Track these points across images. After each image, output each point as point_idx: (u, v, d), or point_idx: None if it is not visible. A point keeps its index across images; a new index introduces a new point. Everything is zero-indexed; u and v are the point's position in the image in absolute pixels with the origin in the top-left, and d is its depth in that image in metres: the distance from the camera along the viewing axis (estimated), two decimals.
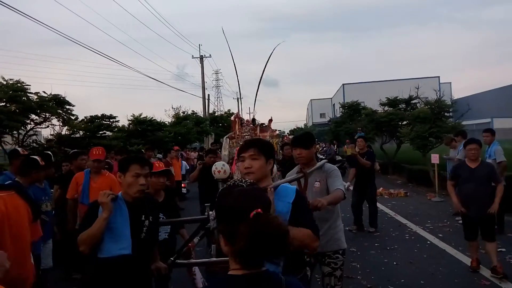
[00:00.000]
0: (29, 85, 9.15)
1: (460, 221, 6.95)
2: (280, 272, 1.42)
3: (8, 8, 8.86)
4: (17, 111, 8.61)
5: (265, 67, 6.88)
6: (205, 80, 29.96)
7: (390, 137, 17.60)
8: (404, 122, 15.68)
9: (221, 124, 29.34)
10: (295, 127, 53.20)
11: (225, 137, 6.59)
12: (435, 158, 10.28)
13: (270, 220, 1.23)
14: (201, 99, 29.54)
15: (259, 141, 2.41)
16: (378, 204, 8.27)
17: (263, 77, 7.12)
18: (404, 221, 8.11)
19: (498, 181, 4.98)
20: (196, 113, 25.82)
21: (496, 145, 6.96)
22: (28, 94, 9.11)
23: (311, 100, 65.99)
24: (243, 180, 1.50)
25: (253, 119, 7.00)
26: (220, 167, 4.98)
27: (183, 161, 13.38)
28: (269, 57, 6.63)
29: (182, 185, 12.15)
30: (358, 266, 5.49)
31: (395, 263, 5.58)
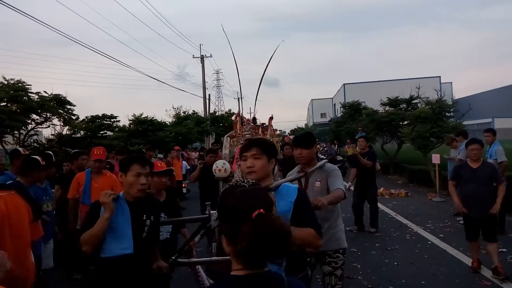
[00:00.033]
0: (30, 85, 9.16)
1: (461, 221, 6.96)
2: (283, 273, 1.42)
3: (9, 8, 8.88)
4: (18, 111, 8.61)
5: (266, 68, 6.88)
6: (206, 80, 30.03)
7: (391, 137, 17.60)
8: (405, 122, 15.69)
9: (222, 124, 29.35)
10: (296, 127, 53.25)
11: (226, 136, 6.60)
12: (436, 158, 10.27)
13: (272, 220, 1.23)
14: (202, 99, 29.61)
15: (261, 141, 2.44)
16: (379, 204, 8.26)
17: (263, 77, 7.13)
18: (405, 221, 8.11)
19: (499, 182, 4.95)
20: (197, 113, 25.85)
21: (497, 145, 6.96)
22: (29, 94, 9.12)
23: (312, 100, 65.98)
24: (245, 180, 1.50)
25: (254, 118, 7.01)
26: (220, 166, 4.99)
27: (183, 161, 13.40)
28: (271, 58, 6.63)
29: (183, 185, 12.18)
30: (359, 266, 5.48)
31: (396, 263, 5.58)
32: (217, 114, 34.34)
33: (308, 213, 2.22)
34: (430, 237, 6.78)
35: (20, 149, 5.40)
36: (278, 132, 10.44)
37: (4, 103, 8.71)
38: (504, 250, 5.65)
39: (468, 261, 5.34)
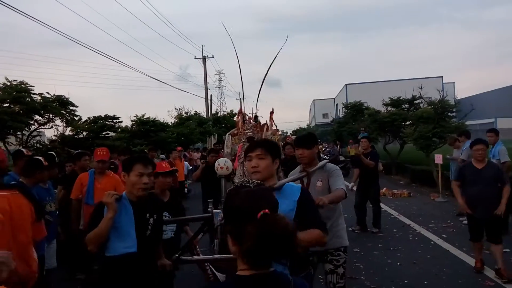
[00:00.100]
0: (33, 86, 9.16)
1: (464, 222, 6.95)
2: (288, 273, 1.42)
3: (10, 9, 8.90)
4: (21, 112, 8.62)
5: (270, 66, 6.85)
6: (207, 81, 29.97)
7: (393, 137, 17.57)
8: (408, 122, 15.64)
9: (224, 124, 29.35)
10: (298, 128, 53.10)
11: (228, 133, 6.61)
12: (438, 158, 10.25)
13: (277, 220, 1.23)
14: (204, 99, 29.59)
15: (266, 142, 2.55)
16: (382, 205, 8.25)
17: (266, 76, 7.10)
18: (407, 221, 8.09)
19: (504, 182, 4.91)
20: (199, 113, 25.84)
21: (500, 145, 6.94)
22: (32, 95, 9.12)
23: (313, 100, 65.93)
24: (250, 181, 1.51)
25: (256, 116, 6.99)
26: (222, 164, 5.03)
27: (185, 162, 13.42)
28: (276, 54, 6.60)
29: (184, 185, 12.22)
30: (362, 266, 5.48)
31: (398, 263, 5.57)
32: (219, 114, 34.33)
33: (312, 211, 2.27)
34: (433, 238, 6.77)
35: (23, 150, 5.41)
36: (280, 132, 10.42)
37: (7, 104, 8.73)
38: (507, 250, 5.63)
39: (471, 261, 5.33)
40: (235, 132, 6.50)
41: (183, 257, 3.07)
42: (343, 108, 25.50)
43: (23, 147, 8.33)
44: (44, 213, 3.48)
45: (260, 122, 6.80)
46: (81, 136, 10.89)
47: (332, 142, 25.99)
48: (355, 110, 22.60)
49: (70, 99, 10.16)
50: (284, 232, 1.21)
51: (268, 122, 6.72)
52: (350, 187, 7.70)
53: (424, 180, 12.99)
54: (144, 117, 15.35)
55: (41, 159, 3.74)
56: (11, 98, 8.67)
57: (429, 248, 6.22)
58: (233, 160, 5.62)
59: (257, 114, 7.02)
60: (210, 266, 3.32)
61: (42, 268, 3.55)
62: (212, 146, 17.35)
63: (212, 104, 33.30)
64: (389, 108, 17.67)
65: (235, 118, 8.28)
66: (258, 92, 6.99)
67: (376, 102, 19.76)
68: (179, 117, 23.07)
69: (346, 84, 49.23)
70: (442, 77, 42.84)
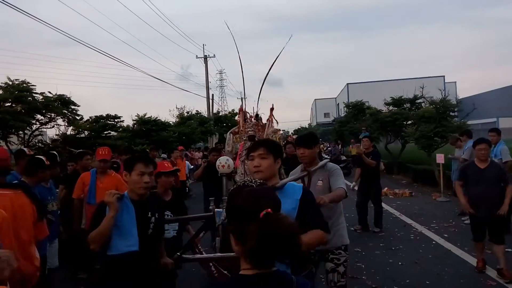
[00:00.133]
0: (35, 86, 9.18)
1: (466, 221, 6.94)
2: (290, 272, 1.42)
3: (11, 8, 8.91)
4: (23, 111, 8.65)
5: (270, 67, 6.86)
6: (209, 80, 29.99)
7: (395, 137, 17.56)
8: (409, 122, 15.62)
9: (225, 124, 29.34)
10: (299, 127, 53.08)
11: (229, 132, 6.62)
12: (440, 158, 10.24)
13: (280, 219, 1.23)
14: (205, 99, 29.60)
15: (268, 141, 2.57)
16: (383, 204, 8.24)
17: (268, 75, 7.10)
18: (409, 221, 8.08)
19: (507, 182, 4.87)
20: (200, 113, 25.86)
21: (502, 144, 6.93)
22: (34, 95, 9.15)
23: (315, 99, 65.89)
24: (253, 180, 1.51)
25: (257, 115, 6.99)
26: (224, 162, 5.05)
27: (186, 161, 13.44)
28: (280, 53, 6.61)
29: (186, 184, 12.24)
30: (363, 266, 5.47)
31: (400, 263, 5.56)
32: (220, 114, 34.31)
33: (313, 210, 2.29)
34: (434, 237, 6.76)
35: (25, 149, 5.43)
36: (281, 132, 10.40)
37: (9, 104, 8.75)
38: (510, 250, 5.62)
39: (473, 261, 5.32)
40: (236, 130, 6.51)
41: (185, 256, 3.08)
42: (345, 108, 25.47)
43: (25, 147, 8.36)
44: (46, 212, 3.49)
45: (261, 121, 6.79)
46: (82, 135, 10.92)
47: (333, 142, 25.99)
48: (357, 110, 22.57)
49: (72, 99, 10.20)
50: (287, 232, 1.21)
51: (269, 118, 6.72)
52: (351, 186, 7.69)
53: (425, 179, 12.97)
54: (146, 116, 15.39)
55: (43, 158, 3.75)
56: (13, 97, 8.69)
57: (431, 248, 6.21)
58: (234, 159, 5.64)
59: (258, 113, 7.02)
60: (213, 262, 3.33)
61: (44, 268, 3.56)
62: (214, 146, 17.34)
63: (214, 103, 33.37)
64: (391, 108, 17.67)
65: (236, 117, 8.27)
66: (259, 91, 6.99)
67: (377, 102, 19.74)
68: (181, 116, 23.11)
69: (347, 84, 49.15)
70: (443, 76, 42.76)
